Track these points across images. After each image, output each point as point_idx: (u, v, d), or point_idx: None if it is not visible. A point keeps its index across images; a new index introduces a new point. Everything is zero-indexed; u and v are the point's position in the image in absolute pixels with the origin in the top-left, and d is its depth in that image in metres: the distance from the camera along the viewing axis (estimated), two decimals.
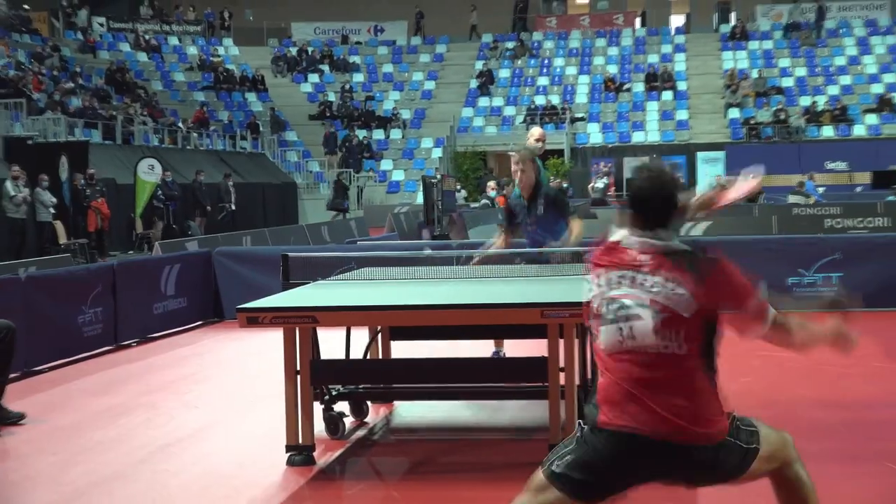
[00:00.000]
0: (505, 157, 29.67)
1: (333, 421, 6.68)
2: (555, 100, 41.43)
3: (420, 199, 28.01)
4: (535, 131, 12.24)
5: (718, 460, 3.76)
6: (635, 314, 3.81)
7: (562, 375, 5.87)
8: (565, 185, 28.42)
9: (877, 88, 40.26)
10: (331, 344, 6.88)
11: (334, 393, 6.76)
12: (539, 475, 3.86)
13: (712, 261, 3.87)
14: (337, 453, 6.35)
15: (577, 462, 3.77)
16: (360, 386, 7.01)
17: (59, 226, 22.24)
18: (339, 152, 38.04)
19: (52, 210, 21.97)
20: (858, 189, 34.13)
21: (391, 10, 47.14)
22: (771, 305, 3.85)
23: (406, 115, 41.79)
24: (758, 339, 3.89)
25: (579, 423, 3.85)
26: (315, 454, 6.11)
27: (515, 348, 8.19)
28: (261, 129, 39.05)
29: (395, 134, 40.84)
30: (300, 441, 6.03)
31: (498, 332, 7.76)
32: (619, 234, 4.00)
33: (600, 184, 31.59)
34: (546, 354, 5.83)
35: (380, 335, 7.42)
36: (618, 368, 3.79)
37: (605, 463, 3.76)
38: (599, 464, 3.76)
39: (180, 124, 35.05)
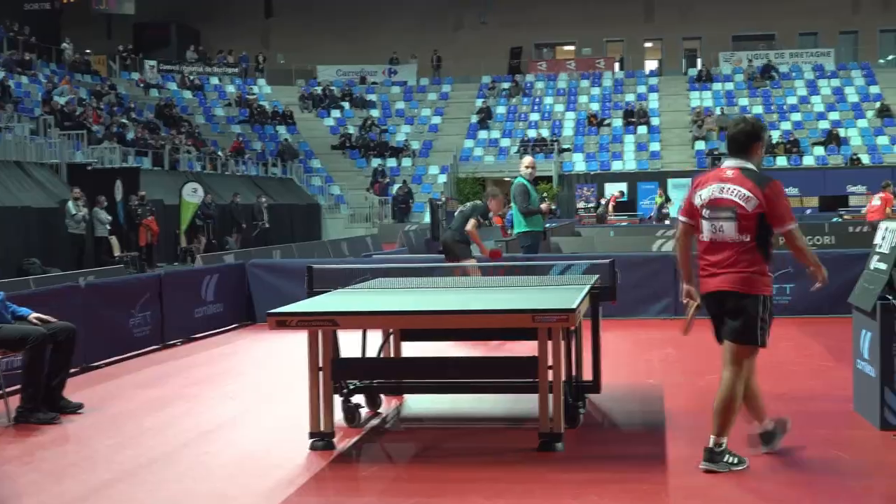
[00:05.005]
0: (501, 182, 29.70)
1: (351, 411, 6.67)
2: (545, 133, 41.43)
3: (427, 218, 28.07)
4: (527, 160, 12.50)
5: None
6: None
7: (550, 372, 5.87)
8: (554, 207, 28.41)
9: (823, 124, 40.26)
10: (349, 344, 6.88)
11: (352, 387, 6.74)
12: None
13: (771, 179, 5.18)
14: (354, 439, 6.34)
15: None
16: (375, 381, 6.99)
17: (113, 240, 22.29)
18: (388, 199, 37.59)
19: (108, 227, 22.02)
20: (808, 212, 34.12)
21: (402, 53, 47.27)
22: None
23: (415, 145, 41.81)
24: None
25: None
26: (335, 440, 6.10)
27: (509, 349, 8.20)
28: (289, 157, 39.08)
29: (406, 162, 40.84)
30: (322, 428, 6.02)
31: (493, 335, 7.78)
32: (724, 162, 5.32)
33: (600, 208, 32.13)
34: (536, 354, 5.83)
35: (392, 337, 7.43)
36: None
37: None
38: None
39: (220, 153, 35.13)
